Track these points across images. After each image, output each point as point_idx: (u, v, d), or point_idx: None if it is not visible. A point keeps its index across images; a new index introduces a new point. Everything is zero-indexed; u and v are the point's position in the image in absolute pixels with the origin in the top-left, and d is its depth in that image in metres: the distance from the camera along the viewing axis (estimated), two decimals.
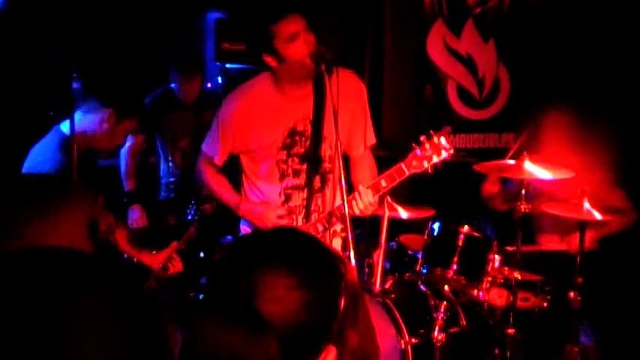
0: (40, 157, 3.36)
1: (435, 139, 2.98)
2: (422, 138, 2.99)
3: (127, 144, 4.52)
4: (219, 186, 3.27)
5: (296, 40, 2.92)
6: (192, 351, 1.12)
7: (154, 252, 3.52)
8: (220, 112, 3.20)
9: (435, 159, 2.97)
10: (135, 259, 3.48)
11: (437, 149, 2.98)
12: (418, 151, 2.97)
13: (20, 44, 4.64)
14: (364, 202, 2.95)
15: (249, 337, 1.08)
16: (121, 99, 3.42)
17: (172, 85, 4.68)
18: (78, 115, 3.35)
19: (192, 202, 4.57)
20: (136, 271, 3.49)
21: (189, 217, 4.63)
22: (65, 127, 3.33)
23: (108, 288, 0.85)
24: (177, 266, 3.42)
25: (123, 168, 4.53)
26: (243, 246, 1.22)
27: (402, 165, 2.98)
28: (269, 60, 3.00)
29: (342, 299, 1.13)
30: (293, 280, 1.09)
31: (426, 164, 2.97)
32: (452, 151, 2.99)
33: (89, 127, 3.40)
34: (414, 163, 2.97)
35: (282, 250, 1.15)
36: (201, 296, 1.16)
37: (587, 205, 3.77)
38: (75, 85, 3.35)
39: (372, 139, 3.29)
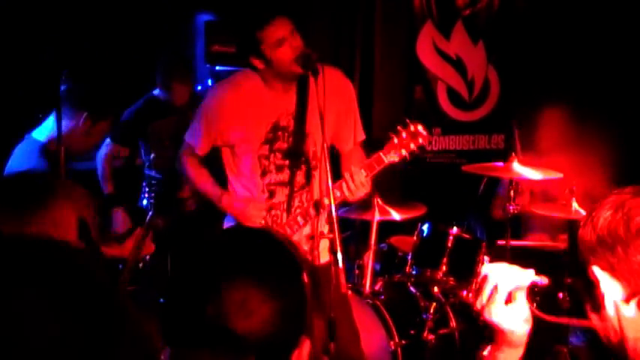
0: (20, 167, 3.34)
1: (412, 127, 3.01)
2: (398, 127, 3.02)
3: (104, 150, 4.50)
4: (200, 178, 3.25)
5: (283, 45, 2.94)
6: None
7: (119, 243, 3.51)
8: (204, 103, 3.21)
9: (412, 146, 3.00)
10: (105, 253, 3.46)
11: (414, 137, 3.01)
12: (395, 140, 3.00)
13: (10, 43, 4.62)
14: (356, 181, 2.95)
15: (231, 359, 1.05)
16: (94, 101, 3.40)
17: (155, 92, 4.63)
18: (49, 122, 3.34)
19: (146, 188, 4.56)
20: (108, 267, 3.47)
21: (145, 203, 4.63)
22: (38, 134, 3.32)
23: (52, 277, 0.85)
24: (149, 247, 3.41)
25: (100, 172, 4.51)
26: (206, 260, 1.13)
27: (381, 154, 3.00)
28: (257, 63, 3.02)
29: (308, 296, 1.11)
30: (264, 292, 1.06)
31: (403, 152, 2.99)
32: (426, 135, 3.02)
33: (64, 131, 3.38)
34: (392, 152, 2.99)
35: (248, 262, 1.10)
36: (163, 324, 1.10)
37: (575, 204, 3.78)
38: (62, 87, 3.34)
39: (361, 136, 3.30)
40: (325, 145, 2.85)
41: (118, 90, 4.54)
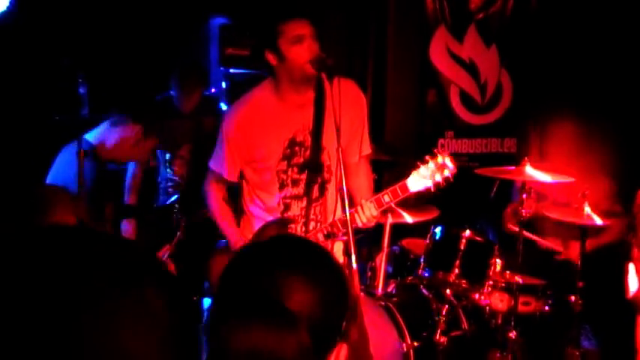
0: (67, 166, 3.39)
1: (440, 159, 3.00)
2: (427, 157, 3.02)
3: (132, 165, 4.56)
4: (221, 216, 3.28)
5: (300, 43, 2.94)
6: (225, 356, 1.18)
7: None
8: (223, 127, 3.21)
9: (438, 178, 2.99)
10: None
11: (440, 169, 3.00)
12: (422, 170, 2.99)
13: (27, 47, 4.67)
14: (366, 215, 2.97)
15: (284, 333, 1.17)
16: (149, 116, 3.48)
17: (172, 92, 4.71)
18: (103, 127, 3.42)
19: (177, 205, 4.61)
20: None
21: (161, 200, 4.68)
22: (91, 137, 3.39)
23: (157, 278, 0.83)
24: (170, 267, 3.46)
25: (129, 180, 4.54)
26: (261, 252, 1.30)
27: (406, 182, 3.00)
28: (270, 58, 3.01)
29: (348, 300, 1.27)
30: (309, 282, 1.22)
31: (429, 183, 2.99)
32: (454, 171, 3.02)
33: (113, 139, 3.46)
34: (418, 181, 2.99)
35: (298, 255, 1.29)
36: (210, 302, 1.20)
37: (587, 209, 3.79)
38: (81, 90, 3.39)
39: (367, 149, 3.30)
40: (340, 151, 2.86)
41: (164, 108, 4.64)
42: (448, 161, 3.01)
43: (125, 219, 4.43)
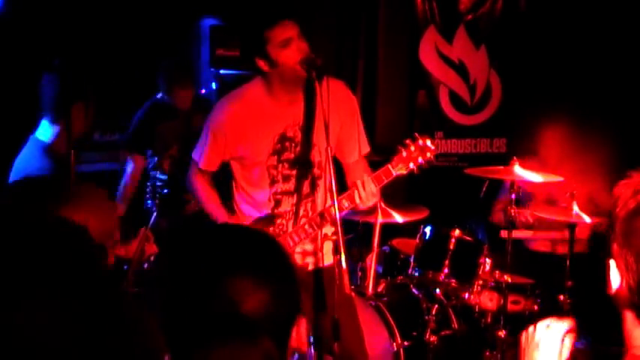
0: (25, 167, 3.38)
1: (420, 142, 3.07)
2: (407, 141, 3.06)
3: (128, 170, 4.55)
4: (208, 199, 3.30)
5: (288, 46, 2.96)
6: None
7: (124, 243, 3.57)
8: (210, 119, 3.22)
9: (420, 160, 3.05)
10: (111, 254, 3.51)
11: (422, 151, 3.06)
12: (404, 153, 3.05)
13: (18, 48, 4.66)
14: (367, 190, 2.99)
15: (247, 348, 1.14)
16: (77, 91, 3.43)
17: (158, 96, 4.67)
18: (45, 125, 3.40)
19: (150, 189, 4.61)
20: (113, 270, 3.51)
21: (149, 204, 4.67)
22: (41, 134, 3.37)
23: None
24: (152, 247, 3.46)
25: (121, 190, 4.54)
26: (204, 259, 1.21)
27: (389, 166, 3.05)
28: (261, 64, 3.04)
29: (296, 279, 1.24)
30: (259, 279, 1.17)
31: (411, 165, 3.04)
32: (434, 151, 3.07)
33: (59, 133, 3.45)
34: (400, 165, 3.04)
35: (241, 256, 1.21)
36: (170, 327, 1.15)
37: (576, 208, 3.82)
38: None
39: (365, 148, 3.33)
40: (330, 149, 2.89)
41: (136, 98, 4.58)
42: (429, 143, 3.09)
43: None
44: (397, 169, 3.03)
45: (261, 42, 2.99)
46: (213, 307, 1.13)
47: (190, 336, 1.14)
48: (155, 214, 3.54)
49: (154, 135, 4.60)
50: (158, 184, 4.69)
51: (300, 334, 1.22)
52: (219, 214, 3.23)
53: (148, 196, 4.73)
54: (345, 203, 2.99)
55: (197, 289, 1.15)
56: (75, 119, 3.36)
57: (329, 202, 3.02)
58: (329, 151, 2.89)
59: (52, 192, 1.59)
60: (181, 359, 1.13)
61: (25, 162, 3.38)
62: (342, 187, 3.12)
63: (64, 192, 1.60)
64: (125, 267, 3.46)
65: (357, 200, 3.00)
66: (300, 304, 1.23)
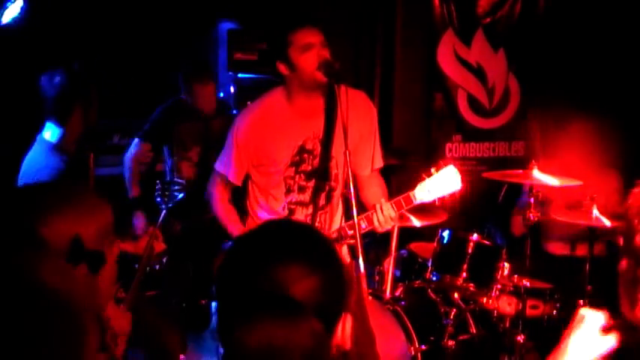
0: (35, 167, 3.41)
1: (445, 172, 3.01)
2: (432, 169, 3.02)
3: (133, 150, 4.55)
4: (226, 216, 3.29)
5: (309, 51, 2.96)
6: (241, 357, 1.19)
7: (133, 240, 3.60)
8: (233, 130, 3.22)
9: (443, 192, 3.00)
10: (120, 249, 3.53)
11: (445, 182, 3.01)
12: (427, 182, 3.00)
13: (37, 52, 4.70)
14: (385, 215, 2.98)
15: (295, 323, 1.19)
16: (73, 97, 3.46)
17: (183, 96, 4.68)
18: (50, 126, 3.42)
19: (159, 185, 4.61)
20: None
21: (159, 200, 4.66)
22: (47, 135, 3.40)
23: None
24: (160, 245, 3.47)
25: (127, 174, 4.52)
26: (254, 244, 1.29)
27: (411, 194, 3.02)
28: (282, 68, 3.04)
29: (344, 273, 1.29)
30: (308, 267, 1.23)
31: (433, 196, 3.00)
32: (459, 186, 3.02)
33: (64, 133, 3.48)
34: (423, 193, 3.00)
35: (291, 242, 1.29)
36: (215, 303, 1.22)
37: (596, 212, 3.79)
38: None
39: (379, 163, 3.31)
40: (348, 153, 2.87)
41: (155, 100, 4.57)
42: (453, 175, 3.02)
43: (134, 213, 4.43)
44: (419, 198, 3.00)
45: (283, 44, 2.99)
46: (264, 287, 1.20)
47: (244, 312, 1.20)
48: (164, 212, 3.55)
49: (171, 132, 4.59)
50: (175, 187, 4.67)
51: (345, 331, 1.27)
52: (235, 230, 3.23)
53: (157, 193, 4.72)
54: (363, 224, 2.99)
55: (249, 272, 1.22)
56: (74, 120, 3.39)
57: (343, 215, 3.02)
58: (347, 155, 2.87)
59: (38, 202, 1.56)
60: (236, 334, 1.19)
61: (35, 161, 3.40)
62: (356, 198, 3.09)
63: (51, 200, 1.57)
64: (135, 265, 3.49)
65: (376, 224, 3.00)
66: (348, 301, 1.28)
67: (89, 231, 1.57)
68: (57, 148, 3.35)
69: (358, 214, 2.92)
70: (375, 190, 3.26)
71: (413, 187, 3.02)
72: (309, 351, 1.18)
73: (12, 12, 3.96)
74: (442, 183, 2.99)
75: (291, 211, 3.20)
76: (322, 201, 3.19)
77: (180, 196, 4.60)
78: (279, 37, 3.01)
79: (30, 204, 1.56)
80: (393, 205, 3.00)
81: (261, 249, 1.26)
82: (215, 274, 1.29)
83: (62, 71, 3.40)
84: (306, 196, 3.19)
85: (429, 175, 3.00)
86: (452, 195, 3.02)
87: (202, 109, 4.61)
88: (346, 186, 2.96)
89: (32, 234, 1.30)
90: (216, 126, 4.68)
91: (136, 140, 4.56)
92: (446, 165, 3.01)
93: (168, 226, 4.33)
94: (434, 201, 3.00)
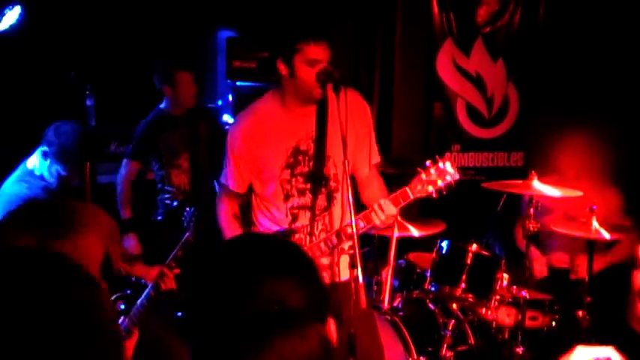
0: (15, 193, 3.48)
1: (441, 164, 2.97)
2: (427, 163, 3.00)
3: (124, 170, 4.53)
4: (226, 229, 3.28)
5: (314, 67, 2.94)
6: None
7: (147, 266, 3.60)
8: (229, 139, 3.21)
9: (440, 184, 2.96)
10: (129, 273, 3.54)
11: (442, 174, 2.97)
12: (423, 176, 2.97)
13: (35, 60, 4.69)
14: (385, 213, 2.95)
15: (303, 332, 1.17)
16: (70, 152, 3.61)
17: (161, 106, 4.62)
18: (40, 157, 3.51)
19: (160, 203, 4.58)
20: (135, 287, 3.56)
21: (160, 219, 4.64)
22: (32, 165, 3.50)
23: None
24: (169, 284, 3.44)
25: (119, 193, 4.52)
26: (244, 263, 1.27)
27: (407, 189, 2.98)
28: (281, 67, 3.02)
29: (321, 279, 1.31)
30: (296, 279, 1.24)
31: (430, 189, 2.96)
32: (457, 177, 2.99)
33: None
34: (419, 187, 2.97)
35: (278, 258, 1.29)
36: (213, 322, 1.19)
37: (595, 223, 3.77)
38: (88, 102, 3.42)
39: (376, 157, 3.29)
40: (348, 162, 2.84)
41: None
42: (449, 167, 2.98)
43: (126, 234, 4.40)
44: (415, 192, 2.98)
45: (292, 48, 2.96)
46: (261, 306, 1.18)
47: (252, 335, 1.16)
48: (180, 245, 3.52)
49: (157, 145, 4.56)
50: (166, 196, 4.63)
51: (331, 332, 1.26)
52: None
53: (159, 211, 4.69)
54: (362, 223, 2.96)
55: (243, 292, 1.20)
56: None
57: (347, 216, 2.99)
58: (347, 164, 2.84)
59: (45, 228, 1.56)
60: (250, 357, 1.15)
61: (16, 186, 3.48)
62: (357, 201, 3.08)
63: (55, 227, 1.57)
64: (142, 281, 3.48)
65: (376, 222, 2.96)
66: (329, 301, 1.29)
67: (94, 252, 1.58)
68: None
69: (356, 214, 2.90)
70: (374, 190, 3.24)
71: (409, 182, 3.00)
72: (320, 356, 1.17)
73: (10, 19, 3.96)
74: (438, 176, 2.96)
75: (295, 217, 3.18)
76: (323, 203, 3.17)
77: (174, 204, 4.59)
78: (291, 39, 2.99)
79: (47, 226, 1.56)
80: (391, 202, 2.98)
81: (242, 273, 1.23)
82: (191, 316, 1.23)
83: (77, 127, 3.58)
84: (307, 200, 3.16)
85: (425, 168, 2.98)
86: (448, 186, 2.98)
87: (184, 102, 4.55)
88: (347, 199, 2.92)
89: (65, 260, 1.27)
90: (202, 131, 4.66)
91: (125, 161, 4.56)
92: (442, 159, 2.99)
93: (161, 239, 4.30)
94: (430, 193, 2.97)
